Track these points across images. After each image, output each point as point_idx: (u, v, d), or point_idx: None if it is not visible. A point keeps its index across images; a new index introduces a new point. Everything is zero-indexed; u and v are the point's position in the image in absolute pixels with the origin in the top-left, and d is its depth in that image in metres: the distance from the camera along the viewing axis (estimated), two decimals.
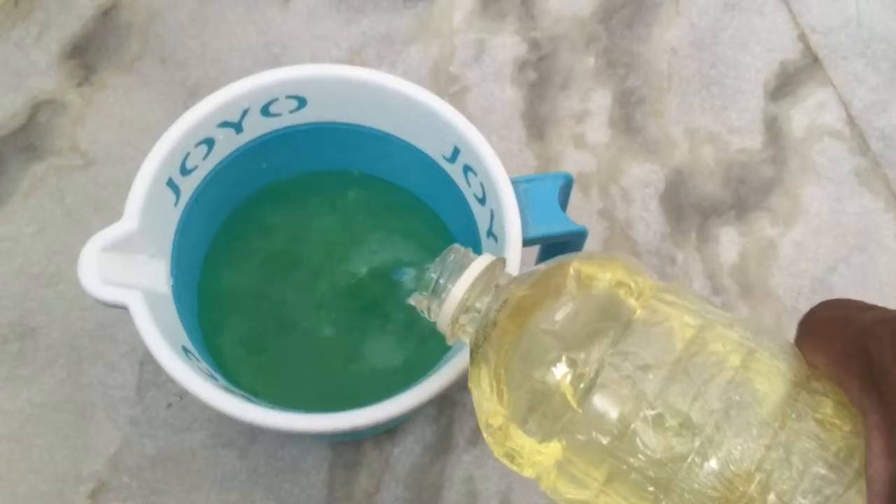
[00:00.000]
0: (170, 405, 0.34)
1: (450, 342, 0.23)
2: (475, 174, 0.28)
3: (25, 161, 0.37)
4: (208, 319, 0.30)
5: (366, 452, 0.33)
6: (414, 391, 0.25)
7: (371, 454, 0.33)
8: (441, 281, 0.22)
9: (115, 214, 0.36)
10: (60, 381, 0.34)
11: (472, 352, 0.21)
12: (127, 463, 0.33)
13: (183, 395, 0.33)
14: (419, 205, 0.32)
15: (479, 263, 0.22)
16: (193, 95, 0.39)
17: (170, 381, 0.25)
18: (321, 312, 0.31)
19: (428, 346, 0.29)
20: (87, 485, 0.32)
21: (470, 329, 0.22)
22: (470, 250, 0.22)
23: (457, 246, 0.22)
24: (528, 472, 0.20)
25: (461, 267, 0.22)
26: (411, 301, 0.23)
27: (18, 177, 0.37)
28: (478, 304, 0.22)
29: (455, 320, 0.22)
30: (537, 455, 0.19)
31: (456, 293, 0.21)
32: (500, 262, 0.22)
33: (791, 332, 0.19)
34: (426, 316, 0.23)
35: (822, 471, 0.17)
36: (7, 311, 0.35)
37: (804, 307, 0.36)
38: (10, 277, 0.35)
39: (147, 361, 0.34)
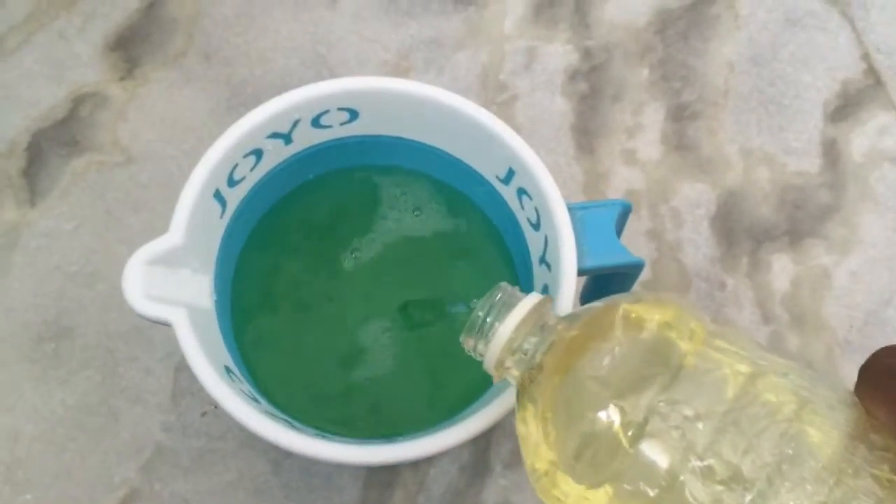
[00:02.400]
0: (204, 413, 0.33)
1: (496, 382, 0.22)
2: (530, 198, 0.27)
3: (66, 156, 0.37)
4: (243, 333, 0.29)
5: (401, 472, 0.32)
6: (460, 426, 0.24)
7: (406, 474, 0.32)
8: (488, 320, 0.22)
9: (154, 215, 0.36)
10: (95, 383, 0.33)
11: (518, 393, 0.21)
12: (159, 471, 0.32)
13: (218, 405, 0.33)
14: (476, 213, 0.31)
15: (527, 303, 0.21)
16: (237, 94, 0.38)
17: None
18: (362, 328, 0.30)
19: (476, 371, 0.28)
20: (119, 491, 0.32)
21: (516, 371, 0.22)
22: (517, 289, 0.22)
23: (504, 284, 0.22)
24: None
25: (508, 306, 0.22)
26: (461, 340, 0.22)
27: (58, 171, 0.37)
28: (525, 345, 0.21)
29: (501, 361, 0.22)
30: (584, 502, 0.19)
31: (503, 333, 0.21)
32: (548, 300, 0.22)
33: (842, 366, 0.18)
34: (473, 355, 0.22)
35: None
36: (43, 309, 0.34)
37: (857, 340, 0.35)
38: (46, 275, 0.35)
39: (183, 368, 0.34)
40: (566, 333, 0.20)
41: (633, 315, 0.20)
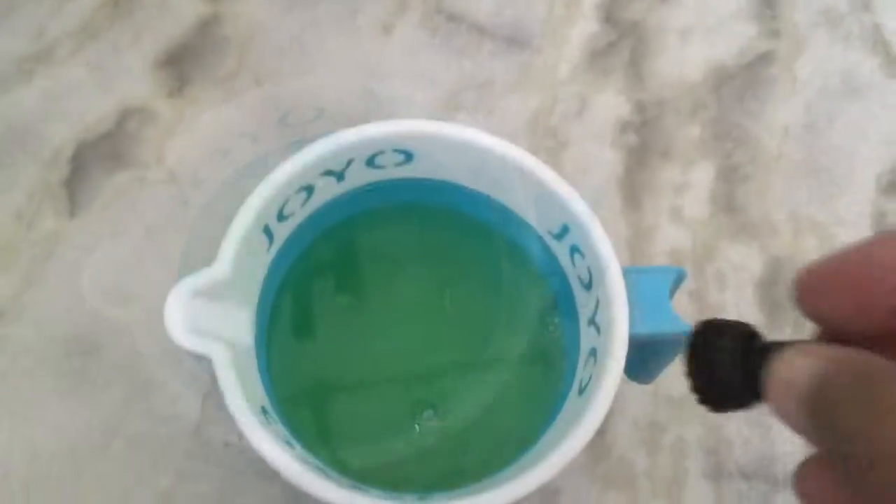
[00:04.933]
0: (227, 444, 0.32)
1: None
2: (583, 257, 0.27)
3: (109, 170, 0.37)
4: (279, 371, 0.28)
5: None
6: (505, 488, 0.23)
7: None
8: None
9: (194, 238, 0.35)
10: (120, 404, 0.33)
11: None
12: (179, 500, 0.31)
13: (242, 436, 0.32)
14: (526, 266, 0.30)
15: None
16: (284, 121, 0.38)
17: (231, 418, 0.23)
18: (404, 370, 0.29)
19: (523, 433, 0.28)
20: None
21: None
22: None
23: None
24: None
25: None
26: None
27: (100, 185, 0.36)
28: None
29: None
30: None
31: None
32: None
33: None
34: None
35: None
36: (73, 325, 0.34)
37: None
38: (80, 289, 0.34)
39: (210, 394, 0.33)
40: None
41: None
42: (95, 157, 0.37)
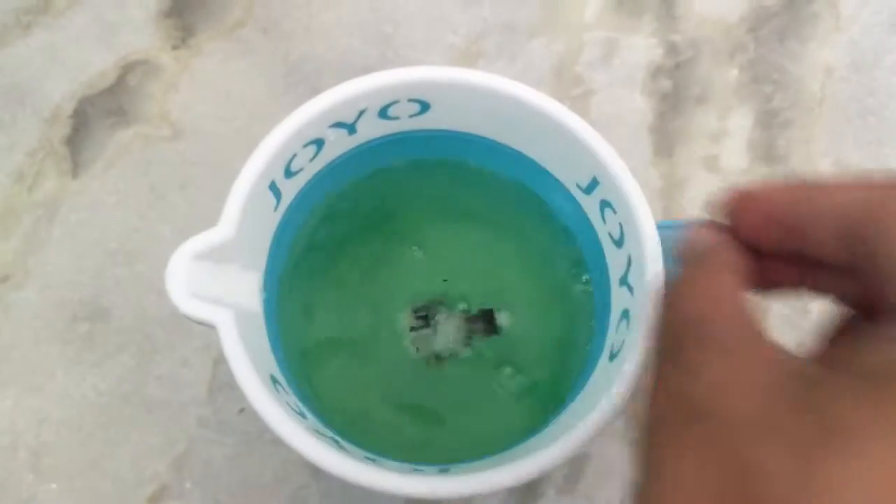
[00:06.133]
0: (242, 410, 0.31)
1: None
2: (614, 212, 0.25)
3: (112, 126, 0.35)
4: (290, 338, 0.27)
5: None
6: (526, 461, 0.21)
7: None
8: None
9: (200, 194, 0.34)
10: (129, 370, 0.31)
11: None
12: (191, 468, 0.30)
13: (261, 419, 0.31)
14: (552, 221, 0.28)
15: None
16: (295, 71, 0.36)
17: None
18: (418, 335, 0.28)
19: (547, 398, 0.26)
20: (148, 487, 0.30)
21: None
22: None
23: None
24: None
25: None
26: None
27: (103, 142, 0.35)
28: None
29: None
30: None
31: None
32: None
33: None
34: None
35: None
36: (80, 287, 0.32)
37: None
38: (85, 251, 0.33)
39: (222, 360, 0.32)
40: None
41: None
42: (97, 114, 0.35)
